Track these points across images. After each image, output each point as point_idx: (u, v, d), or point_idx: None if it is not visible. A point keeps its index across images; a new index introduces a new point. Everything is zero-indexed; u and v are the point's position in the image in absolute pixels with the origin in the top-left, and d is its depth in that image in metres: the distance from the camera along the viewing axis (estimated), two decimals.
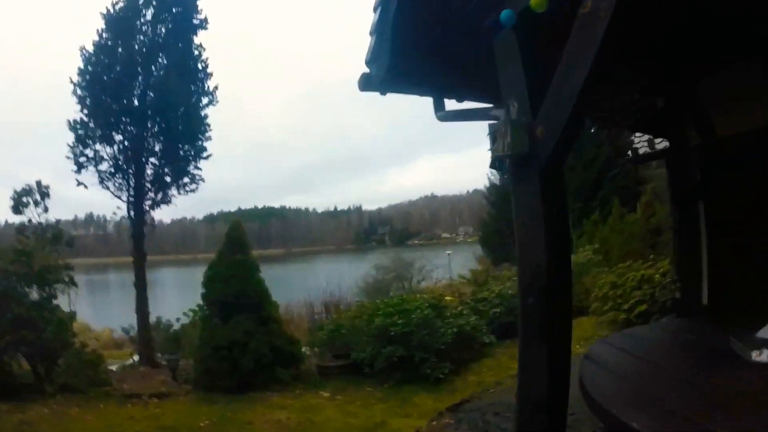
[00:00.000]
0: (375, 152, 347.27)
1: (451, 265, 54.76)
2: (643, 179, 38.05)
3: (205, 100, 16.79)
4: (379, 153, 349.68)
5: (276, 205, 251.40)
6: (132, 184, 16.25)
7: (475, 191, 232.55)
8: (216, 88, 16.84)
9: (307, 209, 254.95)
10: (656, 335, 6.42)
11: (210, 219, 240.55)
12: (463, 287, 23.08)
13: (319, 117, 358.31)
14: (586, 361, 4.74)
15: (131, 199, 16.29)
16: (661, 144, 7.24)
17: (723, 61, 5.72)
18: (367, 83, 4.98)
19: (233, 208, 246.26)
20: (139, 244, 18.02)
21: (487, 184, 45.87)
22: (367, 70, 4.85)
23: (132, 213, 16.53)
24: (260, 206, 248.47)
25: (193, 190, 16.72)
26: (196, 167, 16.80)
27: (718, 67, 5.87)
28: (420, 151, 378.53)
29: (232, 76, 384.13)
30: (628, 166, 40.80)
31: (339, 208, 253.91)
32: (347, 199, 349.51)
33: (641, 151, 7.98)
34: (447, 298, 15.92)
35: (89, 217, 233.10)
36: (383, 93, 5.10)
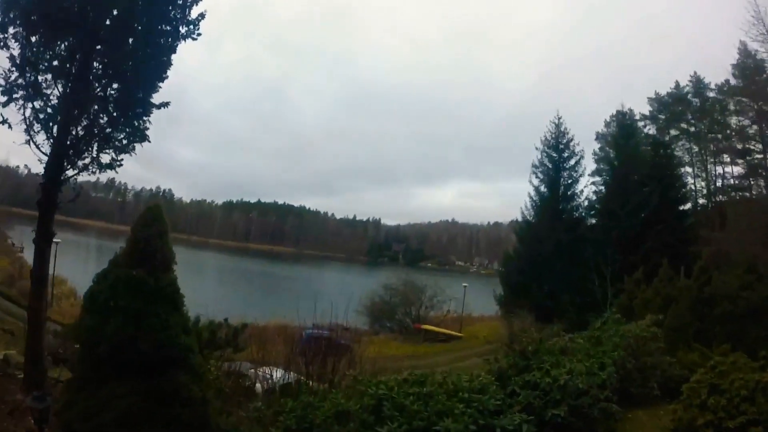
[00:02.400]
0: (405, 167, 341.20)
1: (465, 299, 51.69)
2: (696, 239, 35.11)
3: (183, 30, 10.99)
4: (409, 169, 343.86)
5: (296, 203, 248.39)
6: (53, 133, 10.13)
7: (495, 224, 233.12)
8: (201, 17, 10.87)
9: (325, 213, 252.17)
10: None
11: (228, 206, 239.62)
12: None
13: (357, 122, 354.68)
14: None
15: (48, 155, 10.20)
16: None
17: None
18: None
19: (253, 199, 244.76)
20: (45, 219, 11.22)
21: (519, 219, 42.61)
22: None
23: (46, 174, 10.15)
24: (280, 202, 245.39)
25: (130, 151, 11.07)
26: (142, 121, 10.82)
27: None
28: (449, 174, 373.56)
29: (279, 61, 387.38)
30: (674, 222, 38.26)
31: (358, 218, 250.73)
32: (367, 210, 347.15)
33: None
34: (482, 376, 9.50)
35: (111, 182, 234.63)
36: None
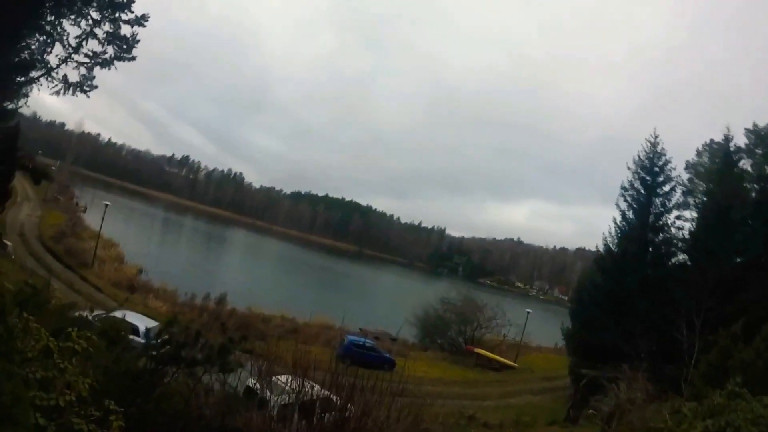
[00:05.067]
0: (479, 179, 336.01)
1: (526, 327, 47.70)
2: None
3: None
4: (483, 181, 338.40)
5: (363, 201, 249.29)
6: None
7: (562, 249, 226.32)
8: None
9: (391, 216, 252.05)
10: None
11: (296, 196, 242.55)
12: None
13: (436, 126, 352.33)
14: None
15: None
16: None
17: None
18: None
19: (321, 192, 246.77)
20: None
21: (600, 248, 38.12)
22: None
23: None
24: (347, 198, 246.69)
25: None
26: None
27: None
28: (524, 192, 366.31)
29: (368, 57, 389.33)
30: None
31: (423, 224, 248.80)
32: (433, 218, 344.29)
33: None
34: None
35: (185, 159, 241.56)
36: None
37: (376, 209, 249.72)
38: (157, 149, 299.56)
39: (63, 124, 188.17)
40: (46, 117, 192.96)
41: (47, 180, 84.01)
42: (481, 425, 24.55)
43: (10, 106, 34.49)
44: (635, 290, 33.23)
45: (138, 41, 23.92)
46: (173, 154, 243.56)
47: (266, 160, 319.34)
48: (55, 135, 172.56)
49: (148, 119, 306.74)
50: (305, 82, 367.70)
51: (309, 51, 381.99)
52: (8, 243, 35.98)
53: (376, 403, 8.83)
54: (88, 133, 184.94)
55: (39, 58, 23.16)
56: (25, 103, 30.33)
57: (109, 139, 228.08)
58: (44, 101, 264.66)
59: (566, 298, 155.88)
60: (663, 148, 37.61)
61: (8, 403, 3.99)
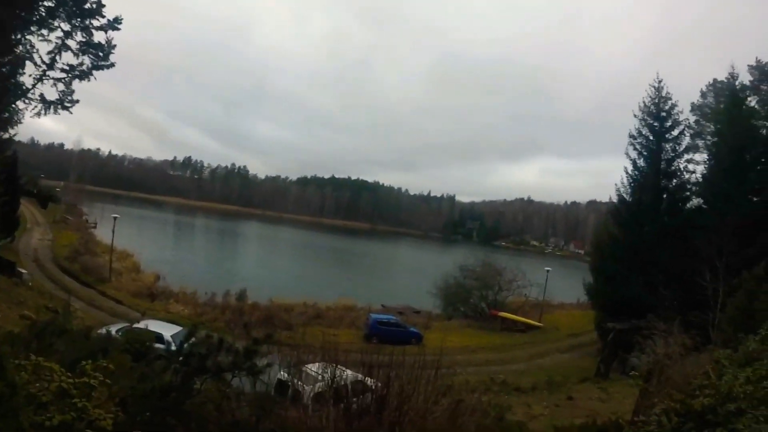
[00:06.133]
0: (489, 143, 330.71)
1: (547, 284, 47.33)
2: None
3: None
4: (493, 144, 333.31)
5: (371, 179, 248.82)
6: None
7: (573, 203, 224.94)
8: None
9: (399, 189, 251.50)
10: None
11: (303, 181, 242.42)
12: None
13: (443, 96, 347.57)
14: None
15: None
16: None
17: None
18: None
19: (327, 175, 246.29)
20: None
21: (614, 198, 37.49)
22: None
23: None
24: (354, 177, 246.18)
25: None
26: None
27: None
28: (534, 150, 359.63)
29: (366, 32, 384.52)
30: None
31: (432, 194, 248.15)
32: (442, 186, 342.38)
33: None
34: None
35: (188, 160, 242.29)
36: None
37: (383, 184, 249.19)
38: (159, 155, 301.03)
39: (62, 145, 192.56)
40: (43, 140, 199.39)
41: (54, 202, 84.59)
42: (514, 390, 24.46)
43: (5, 136, 34.51)
44: (654, 240, 32.81)
45: (114, 46, 23.03)
46: (175, 157, 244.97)
47: (272, 150, 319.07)
48: (55, 156, 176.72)
49: (146, 126, 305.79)
50: (304, 67, 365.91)
51: (304, 35, 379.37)
52: (23, 271, 35.91)
53: (412, 380, 8.62)
54: (88, 150, 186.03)
55: (11, 80, 22.10)
56: (16, 131, 29.43)
57: (110, 152, 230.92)
58: (40, 125, 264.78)
59: (582, 252, 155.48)
60: (668, 92, 36.82)
61: None
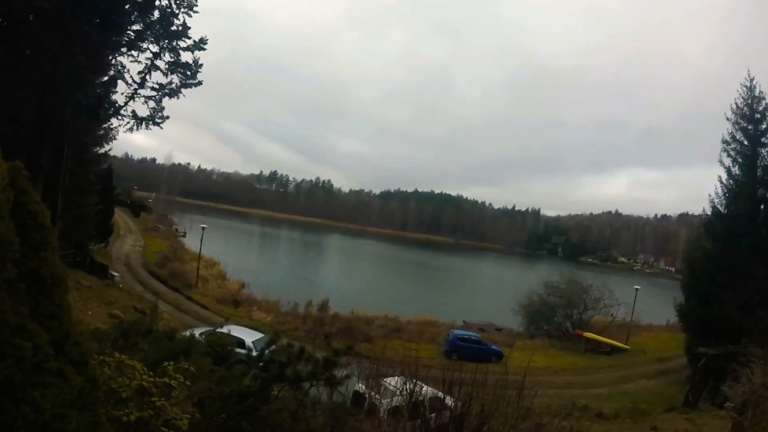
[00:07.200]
0: (573, 155, 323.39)
1: (635, 305, 45.24)
2: None
3: None
4: (578, 157, 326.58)
5: (453, 192, 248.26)
6: None
7: (664, 217, 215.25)
8: None
9: (483, 203, 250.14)
10: None
11: (385, 195, 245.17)
12: None
13: (525, 108, 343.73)
14: None
15: None
16: None
17: None
18: None
19: (410, 189, 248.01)
20: None
21: (708, 211, 35.10)
22: None
23: None
24: (437, 191, 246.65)
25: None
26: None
27: None
28: (621, 162, 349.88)
29: (444, 45, 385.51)
30: None
31: (516, 208, 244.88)
32: (527, 200, 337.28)
33: None
34: None
35: (273, 174, 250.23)
36: None
37: (467, 198, 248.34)
38: (246, 169, 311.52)
39: (154, 159, 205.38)
40: (137, 155, 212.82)
41: (146, 211, 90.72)
42: (595, 416, 23.50)
43: (102, 151, 37.11)
44: (750, 256, 30.62)
45: (201, 65, 24.03)
46: (261, 171, 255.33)
47: (353, 165, 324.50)
48: (147, 170, 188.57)
49: (233, 141, 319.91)
50: (383, 82, 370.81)
51: (382, 50, 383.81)
52: (115, 273, 38.71)
53: (494, 401, 8.40)
54: (179, 164, 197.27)
55: (105, 99, 23.44)
56: (111, 146, 31.41)
57: (199, 166, 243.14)
58: (133, 141, 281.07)
59: (673, 269, 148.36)
60: (761, 91, 33.85)
61: None
